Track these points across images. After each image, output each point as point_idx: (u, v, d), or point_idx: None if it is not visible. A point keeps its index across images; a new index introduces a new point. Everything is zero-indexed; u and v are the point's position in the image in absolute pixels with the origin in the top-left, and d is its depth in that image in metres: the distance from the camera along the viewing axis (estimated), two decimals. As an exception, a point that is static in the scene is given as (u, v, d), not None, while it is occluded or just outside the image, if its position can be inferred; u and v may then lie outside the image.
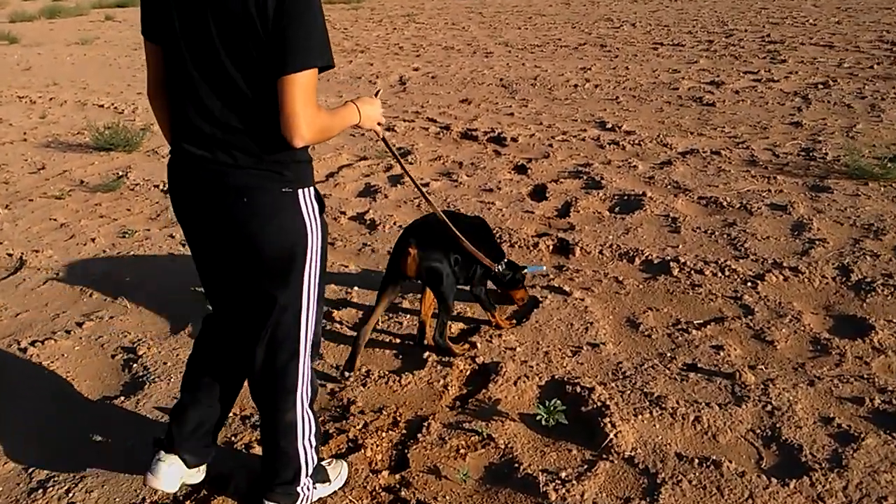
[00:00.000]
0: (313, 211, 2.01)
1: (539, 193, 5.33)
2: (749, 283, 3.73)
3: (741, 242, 4.19)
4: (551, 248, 4.33)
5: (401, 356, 3.28)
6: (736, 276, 3.81)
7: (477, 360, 3.16)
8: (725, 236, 4.30)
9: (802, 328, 3.30)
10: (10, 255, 4.71)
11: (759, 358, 3.10)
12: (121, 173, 6.47)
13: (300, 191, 1.97)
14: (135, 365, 3.31)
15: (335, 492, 2.40)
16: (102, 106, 9.88)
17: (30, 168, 6.95)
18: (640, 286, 3.81)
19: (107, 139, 7.24)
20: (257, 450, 2.65)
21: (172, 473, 2.28)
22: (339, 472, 2.44)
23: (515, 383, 2.98)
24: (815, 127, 6.59)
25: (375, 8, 23.63)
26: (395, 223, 4.83)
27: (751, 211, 4.63)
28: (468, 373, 3.12)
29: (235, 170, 1.90)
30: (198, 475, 2.42)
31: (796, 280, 3.73)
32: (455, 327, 3.49)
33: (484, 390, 2.95)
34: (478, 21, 18.12)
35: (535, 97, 8.76)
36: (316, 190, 2.04)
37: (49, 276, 4.35)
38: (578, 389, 2.89)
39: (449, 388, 3.00)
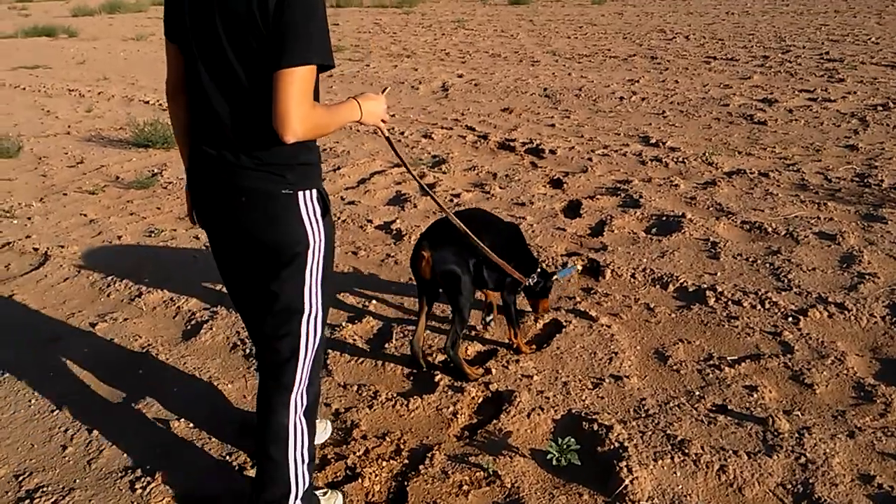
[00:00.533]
0: (314, 213, 2.00)
1: (573, 210, 5.14)
2: (790, 319, 3.49)
3: (784, 273, 3.94)
4: (580, 269, 4.14)
5: (412, 377, 3.13)
6: (776, 310, 3.57)
7: (491, 386, 3.00)
8: (768, 265, 4.05)
9: (845, 371, 3.05)
10: (35, 249, 4.71)
11: (796, 402, 2.86)
12: (156, 171, 6.48)
13: (301, 193, 1.96)
14: (141, 371, 3.23)
15: (325, 524, 2.27)
16: (148, 102, 9.99)
17: (69, 162, 7.02)
18: (673, 315, 3.59)
19: (146, 136, 7.28)
20: (249, 472, 2.54)
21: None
22: None
23: (529, 415, 2.80)
24: (872, 151, 6.24)
25: (426, 13, 23.62)
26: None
27: (797, 239, 4.36)
28: (480, 400, 2.96)
29: (239, 170, 1.92)
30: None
31: (842, 318, 3.47)
32: (470, 349, 3.33)
33: (495, 421, 2.78)
34: (527, 29, 17.93)
35: (579, 108, 8.54)
36: (321, 192, 2.02)
37: (71, 272, 4.33)
38: (596, 427, 2.70)
39: (458, 415, 2.84)
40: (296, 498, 2.16)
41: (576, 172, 5.99)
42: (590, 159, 6.33)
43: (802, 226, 4.58)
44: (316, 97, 1.90)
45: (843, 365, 3.09)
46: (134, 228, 5.06)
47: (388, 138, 2.37)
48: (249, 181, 1.92)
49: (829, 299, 3.62)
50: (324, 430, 2.72)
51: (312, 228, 1.99)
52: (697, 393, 2.94)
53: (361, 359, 3.26)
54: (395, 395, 2.96)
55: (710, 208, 4.98)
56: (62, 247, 4.71)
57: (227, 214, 2.00)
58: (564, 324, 3.51)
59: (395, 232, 4.78)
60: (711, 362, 3.16)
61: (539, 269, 3.29)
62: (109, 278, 4.21)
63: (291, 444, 2.13)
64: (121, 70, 13.35)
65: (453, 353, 3.02)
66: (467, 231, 2.83)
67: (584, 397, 2.92)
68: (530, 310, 3.49)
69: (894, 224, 4.55)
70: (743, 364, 3.13)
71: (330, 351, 3.30)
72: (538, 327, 3.53)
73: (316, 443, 2.40)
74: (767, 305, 3.61)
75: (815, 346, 3.26)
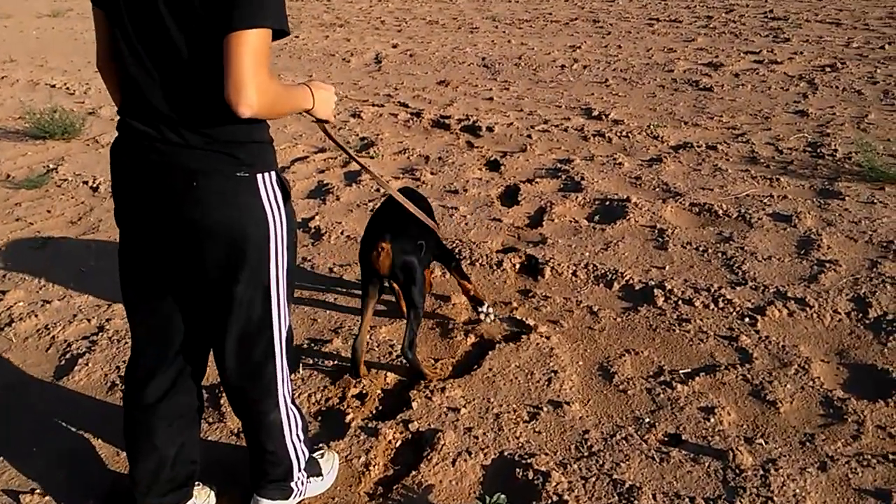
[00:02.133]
0: (275, 198, 1.78)
1: (510, 196, 4.70)
2: (747, 319, 3.13)
3: (738, 264, 3.58)
4: (518, 267, 3.72)
5: (320, 416, 2.68)
6: (731, 309, 3.20)
7: (410, 425, 2.56)
8: (720, 255, 3.68)
9: (811, 383, 2.70)
10: None
11: (758, 426, 2.50)
12: (51, 166, 5.83)
13: (259, 175, 1.74)
14: (10, 419, 2.72)
15: None
16: (55, 86, 9.19)
17: (-45, 159, 6.29)
18: (618, 319, 3.20)
19: (43, 126, 6.57)
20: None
21: None
22: (331, 465, 2.33)
23: (454, 462, 2.38)
24: (823, 117, 5.94)
25: (363, -21, 22.70)
26: (342, 233, 4.20)
27: (750, 222, 4.01)
28: (398, 443, 2.52)
29: (184, 149, 1.67)
30: None
31: (803, 315, 3.13)
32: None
33: (414, 472, 2.35)
34: (467, -7, 17.30)
35: (518, 79, 8.08)
36: (279, 175, 1.80)
37: (-68, 298, 3.73)
38: (531, 474, 2.29)
39: (371, 467, 2.40)
40: (299, 469, 2.13)
41: (514, 152, 5.55)
42: (529, 136, 5.89)
43: (755, 206, 4.23)
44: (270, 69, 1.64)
45: (807, 374, 2.75)
46: (17, 238, 4.46)
47: (330, 135, 2.08)
48: (199, 162, 1.67)
49: (788, 294, 3.27)
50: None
51: (274, 216, 1.78)
52: (647, 420, 2.56)
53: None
54: (297, 444, 2.50)
55: (657, 189, 4.60)
56: (-72, 265, 4.10)
57: (170, 204, 1.71)
58: (497, 338, 3.10)
59: (313, 230, 4.28)
60: (662, 378, 2.78)
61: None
62: (-23, 304, 3.64)
63: (287, 432, 2.06)
64: (31, 51, 12.37)
65: (411, 356, 2.76)
66: (415, 210, 2.55)
67: (518, 433, 2.51)
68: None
69: (851, 200, 4.23)
70: (697, 378, 2.76)
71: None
72: (468, 344, 3.10)
73: None
74: (721, 304, 3.24)
75: (775, 351, 2.90)
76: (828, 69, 7.48)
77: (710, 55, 8.53)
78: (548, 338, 3.07)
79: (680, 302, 3.29)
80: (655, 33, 10.29)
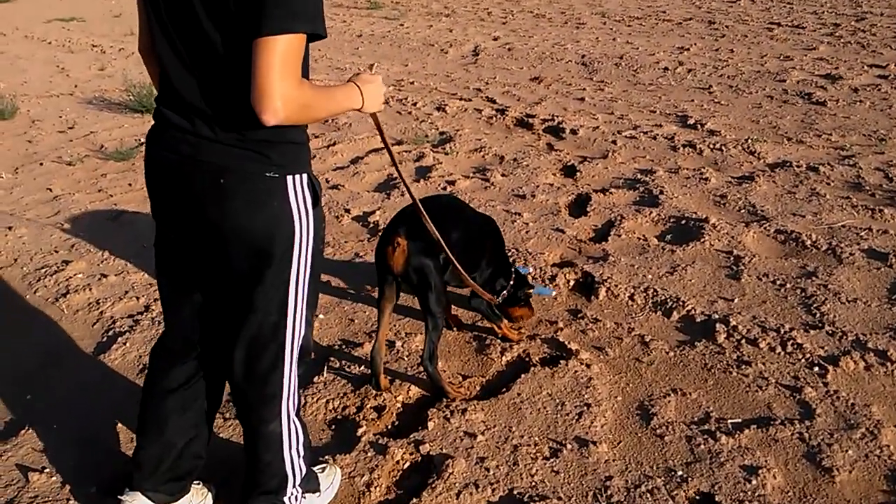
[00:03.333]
0: (304, 202, 1.73)
1: (580, 206, 4.46)
2: (816, 368, 2.81)
3: (818, 304, 3.22)
4: (571, 284, 3.50)
5: (333, 426, 2.59)
6: (801, 356, 2.88)
7: (422, 447, 2.43)
8: (798, 291, 3.34)
9: (878, 451, 2.37)
10: (-21, 231, 4.32)
11: (807, 496, 2.22)
12: (142, 140, 6.02)
13: (289, 177, 1.69)
14: (28, 398, 2.78)
15: None
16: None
17: (60, 126, 6.64)
18: (670, 354, 2.95)
19: (142, 100, 6.82)
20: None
21: None
22: (331, 481, 2.24)
23: (458, 495, 2.23)
24: (948, 143, 5.34)
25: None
26: (400, 230, 4.10)
27: (840, 257, 3.62)
28: (406, 465, 2.39)
29: (214, 144, 1.63)
30: None
31: (882, 371, 2.77)
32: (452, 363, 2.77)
33: (415, 499, 2.22)
34: (581, -13, 16.83)
35: (616, 80, 7.74)
36: (311, 177, 1.75)
37: (7, 261, 3.91)
38: (537, 520, 2.12)
39: (373, 488, 2.29)
40: (293, 486, 2.02)
41: (594, 158, 5.29)
42: (614, 142, 5.60)
43: (849, 238, 3.82)
44: (306, 73, 1.62)
45: (875, 441, 2.42)
46: (95, 209, 4.62)
47: (379, 128, 2.06)
48: (228, 159, 1.63)
49: (869, 344, 2.91)
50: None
51: (301, 220, 1.72)
52: (680, 472, 2.32)
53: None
54: (301, 451, 2.42)
55: (742, 210, 4.25)
56: (9, 228, 4.30)
57: (196, 199, 1.68)
58: (534, 360, 2.91)
59: (371, 225, 4.21)
60: (706, 426, 2.53)
61: (513, 278, 2.96)
62: (43, 270, 3.78)
63: (286, 445, 1.97)
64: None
65: (432, 369, 2.59)
66: (437, 235, 2.40)
67: (534, 470, 2.33)
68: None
69: (965, 241, 3.75)
70: (746, 431, 2.49)
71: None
72: (502, 363, 2.93)
73: None
74: (790, 348, 2.93)
75: (842, 409, 2.58)
76: (963, 89, 6.74)
77: (829, 66, 7.87)
78: (588, 366, 2.86)
79: (743, 341, 2.99)
80: (774, 39, 9.62)
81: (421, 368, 2.84)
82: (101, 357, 3.03)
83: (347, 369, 2.88)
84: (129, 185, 5.06)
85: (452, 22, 12.25)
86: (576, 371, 2.82)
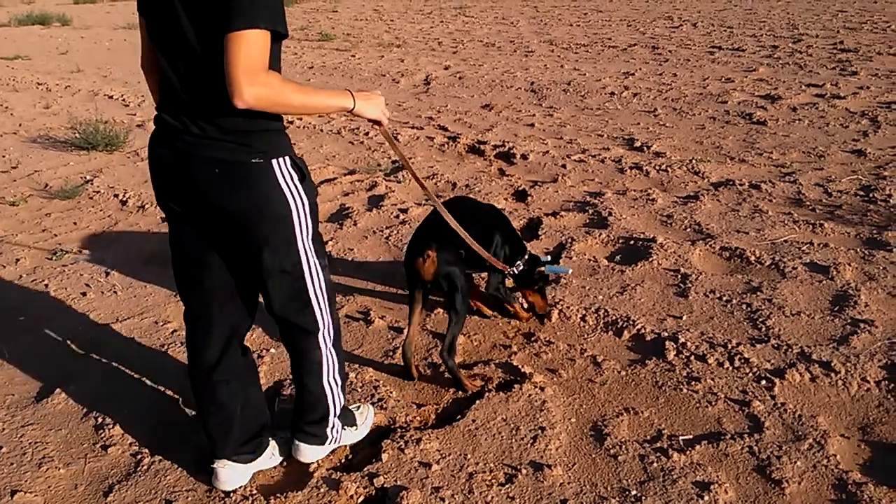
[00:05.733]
0: (292, 179, 1.97)
1: (532, 230, 4.51)
2: (764, 382, 2.86)
3: (763, 318, 3.30)
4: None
5: (284, 463, 2.54)
6: (748, 370, 2.94)
7: (376, 480, 2.40)
8: (744, 307, 3.41)
9: (825, 461, 2.42)
10: (-84, 276, 4.17)
11: (757, 509, 2.25)
12: (89, 177, 5.92)
13: (274, 160, 1.93)
14: None
15: None
16: (112, 97, 9.46)
17: (2, 166, 6.48)
18: (623, 373, 2.98)
19: (87, 137, 6.71)
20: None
21: (232, 476, 2.35)
22: (366, 417, 2.56)
23: (413, 526, 2.21)
24: (882, 157, 5.54)
25: (428, -1, 22.88)
26: (352, 260, 4.09)
27: (783, 271, 3.71)
28: (360, 500, 2.36)
29: (203, 140, 1.88)
30: (271, 460, 2.45)
31: (827, 382, 2.84)
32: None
33: (370, 533, 2.19)
34: (529, 16, 17.19)
35: (564, 105, 7.88)
36: (293, 158, 1.98)
37: (-56, 307, 3.78)
38: (492, 547, 2.10)
39: (326, 523, 2.25)
40: (335, 415, 2.37)
41: (545, 182, 5.36)
42: (563, 166, 5.68)
43: (791, 253, 3.92)
44: (275, 67, 1.85)
45: (822, 451, 2.47)
46: (37, 250, 4.51)
47: (390, 140, 2.32)
48: (218, 151, 1.88)
49: (814, 356, 2.98)
50: (270, 458, 2.49)
51: (293, 194, 1.97)
52: (634, 492, 2.33)
53: (230, 435, 2.67)
54: (254, 492, 2.37)
55: (688, 229, 4.34)
56: (-52, 273, 4.17)
57: (198, 190, 1.93)
58: (489, 386, 2.91)
59: (324, 256, 4.18)
60: (659, 444, 2.55)
61: (527, 256, 3.22)
62: (-18, 315, 3.66)
63: (325, 373, 2.28)
64: (100, 62, 12.82)
65: (451, 362, 2.84)
66: (458, 227, 2.71)
67: (489, 497, 2.32)
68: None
69: (900, 252, 3.88)
70: (698, 447, 2.52)
71: (194, 422, 2.72)
72: (458, 393, 2.92)
73: (266, 467, 2.45)
74: (737, 363, 2.98)
75: (790, 421, 2.63)
76: (894, 106, 7.02)
77: (769, 86, 8.14)
78: (542, 389, 2.87)
79: (692, 357, 3.04)
80: (715, 62, 9.93)
81: (375, 398, 2.82)
82: (41, 404, 2.93)
83: (300, 403, 2.84)
84: (75, 223, 4.95)
85: (404, 52, 12.36)
86: (530, 395, 2.83)
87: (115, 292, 3.87)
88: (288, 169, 1.96)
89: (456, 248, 2.84)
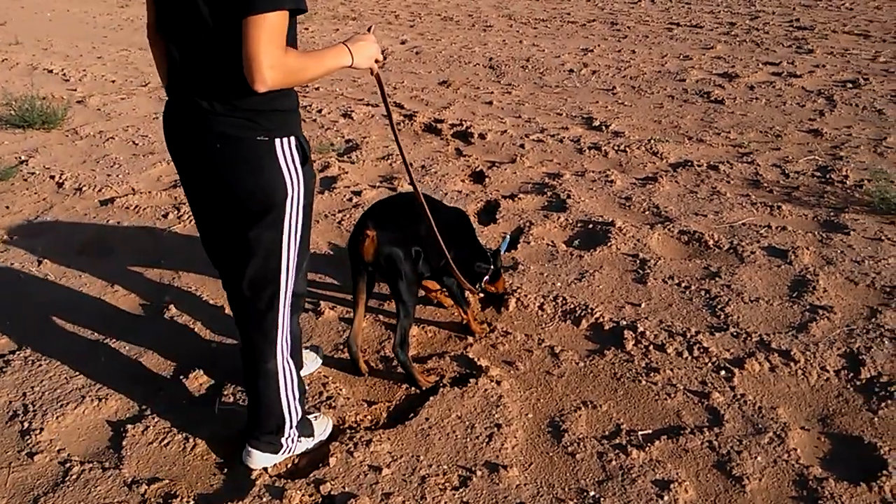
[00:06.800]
0: (293, 161, 1.96)
1: (489, 213, 4.39)
2: (723, 372, 2.80)
3: (722, 304, 3.24)
4: (482, 295, 3.41)
5: (225, 469, 2.39)
6: (707, 359, 2.88)
7: (322, 487, 2.27)
8: (703, 294, 3.35)
9: (786, 456, 2.37)
10: None
11: (718, 508, 2.18)
12: (24, 158, 5.60)
13: (278, 140, 1.92)
14: None
15: None
16: (52, 71, 9.00)
17: (-70, 146, 6.09)
18: (581, 364, 2.89)
19: (23, 115, 6.36)
20: None
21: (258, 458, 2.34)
22: (324, 427, 2.48)
23: (362, 536, 2.09)
24: (838, 137, 5.55)
25: (385, -30, 22.37)
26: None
27: (741, 256, 3.66)
28: (306, 509, 2.23)
29: (213, 116, 1.88)
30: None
31: (786, 371, 2.79)
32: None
33: (315, 544, 2.07)
34: (488, -11, 16.91)
35: (523, 83, 7.74)
36: (299, 139, 1.98)
37: None
38: (444, 558, 1.99)
39: (269, 535, 2.12)
40: (290, 427, 2.30)
41: (503, 163, 5.23)
42: (522, 146, 5.56)
43: (750, 237, 3.88)
44: (293, 43, 1.83)
45: (783, 445, 2.42)
46: (-34, 235, 4.23)
47: (378, 81, 2.18)
48: (223, 127, 1.88)
49: (773, 344, 2.93)
50: (313, 361, 2.84)
51: (291, 177, 1.95)
52: (593, 493, 2.25)
53: (167, 439, 2.51)
54: (191, 501, 2.23)
55: (646, 212, 4.26)
56: None
57: (202, 161, 1.96)
58: (444, 381, 2.80)
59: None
60: (617, 440, 2.47)
61: (491, 262, 3.11)
62: None
63: (282, 384, 2.24)
64: (40, 33, 12.23)
65: (403, 357, 2.71)
66: (433, 224, 2.57)
67: (443, 502, 2.21)
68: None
69: (857, 235, 3.86)
70: (657, 443, 2.44)
71: (129, 427, 2.55)
72: (411, 389, 2.80)
73: (305, 373, 2.61)
74: (696, 352, 2.92)
75: (750, 413, 2.57)
76: (849, 85, 7.05)
77: (726, 64, 8.12)
78: (499, 383, 2.76)
79: (651, 347, 2.96)
80: (674, 38, 9.88)
81: (326, 399, 2.68)
82: None
83: (242, 403, 2.69)
84: (7, 207, 4.67)
85: (359, 25, 12.05)
86: (486, 390, 2.72)
87: (48, 282, 3.65)
88: (291, 150, 1.95)
89: (400, 231, 2.68)
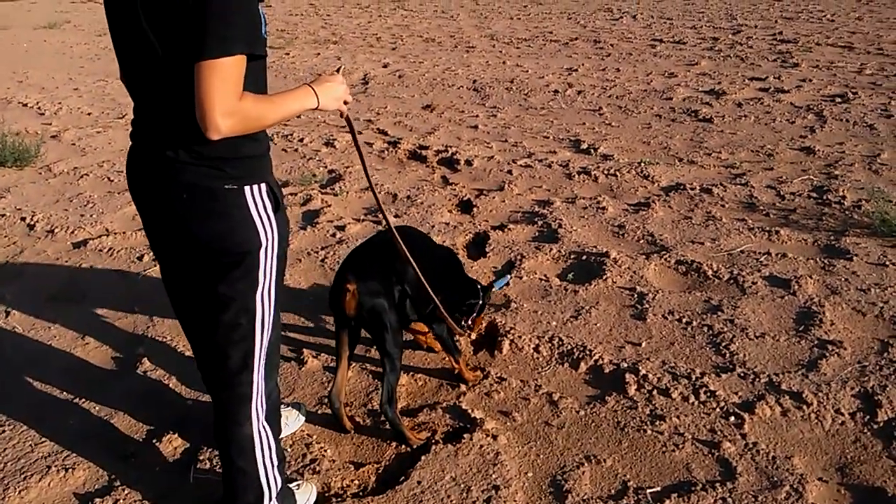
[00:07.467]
0: (265, 209, 1.84)
1: (478, 246, 4.23)
2: (732, 418, 2.64)
3: (726, 342, 3.09)
4: (473, 338, 3.24)
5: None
6: (715, 404, 2.71)
7: (307, 566, 2.08)
8: (705, 329, 3.20)
9: (805, 513, 2.20)
10: None
11: (737, 577, 2.01)
12: (-16, 193, 5.40)
13: (247, 187, 1.81)
14: None
15: None
16: (27, 105, 8.79)
17: None
18: (581, 413, 2.72)
19: (-6, 153, 6.15)
20: None
21: None
22: (307, 496, 2.29)
23: None
24: (831, 155, 5.44)
25: (366, -8, 22.39)
26: (284, 286, 3.74)
27: (743, 287, 3.52)
28: (290, 591, 2.04)
29: (179, 165, 1.76)
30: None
31: (799, 415, 2.64)
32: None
33: None
34: (469, 9, 16.92)
35: (508, 105, 7.62)
36: (270, 185, 1.86)
37: None
38: None
39: None
40: (269, 499, 2.11)
41: (491, 190, 5.09)
42: (510, 172, 5.42)
43: (749, 266, 3.73)
44: (261, 85, 1.76)
45: (801, 500, 2.26)
46: (-71, 285, 4.02)
47: (348, 122, 2.15)
48: (189, 176, 1.76)
49: (783, 386, 2.78)
50: (296, 420, 2.68)
51: (264, 225, 1.84)
52: (600, 563, 2.07)
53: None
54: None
55: (641, 241, 4.12)
56: None
57: (168, 212, 1.83)
58: (437, 437, 2.62)
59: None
60: (625, 500, 2.30)
61: (480, 297, 2.98)
62: None
63: (259, 452, 2.06)
64: (16, 65, 12.02)
65: (391, 414, 2.53)
66: (417, 269, 2.44)
67: (438, 580, 2.03)
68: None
69: (860, 261, 3.73)
70: (667, 502, 2.28)
71: (97, 502, 2.36)
72: (401, 447, 2.62)
73: (286, 434, 2.47)
74: (703, 396, 2.76)
75: (763, 465, 2.41)
76: (838, 99, 6.98)
77: (712, 81, 8.04)
78: (495, 437, 2.59)
79: (655, 392, 2.80)
80: (657, 55, 9.82)
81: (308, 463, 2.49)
82: None
83: (219, 470, 2.49)
84: (-26, 253, 4.46)
85: (341, 49, 11.95)
86: (482, 445, 2.55)
87: (16, 335, 3.45)
88: (263, 197, 1.84)
89: (381, 281, 2.53)
